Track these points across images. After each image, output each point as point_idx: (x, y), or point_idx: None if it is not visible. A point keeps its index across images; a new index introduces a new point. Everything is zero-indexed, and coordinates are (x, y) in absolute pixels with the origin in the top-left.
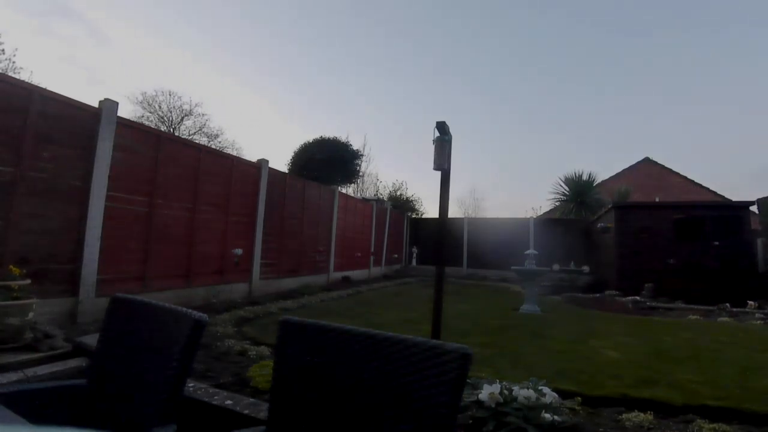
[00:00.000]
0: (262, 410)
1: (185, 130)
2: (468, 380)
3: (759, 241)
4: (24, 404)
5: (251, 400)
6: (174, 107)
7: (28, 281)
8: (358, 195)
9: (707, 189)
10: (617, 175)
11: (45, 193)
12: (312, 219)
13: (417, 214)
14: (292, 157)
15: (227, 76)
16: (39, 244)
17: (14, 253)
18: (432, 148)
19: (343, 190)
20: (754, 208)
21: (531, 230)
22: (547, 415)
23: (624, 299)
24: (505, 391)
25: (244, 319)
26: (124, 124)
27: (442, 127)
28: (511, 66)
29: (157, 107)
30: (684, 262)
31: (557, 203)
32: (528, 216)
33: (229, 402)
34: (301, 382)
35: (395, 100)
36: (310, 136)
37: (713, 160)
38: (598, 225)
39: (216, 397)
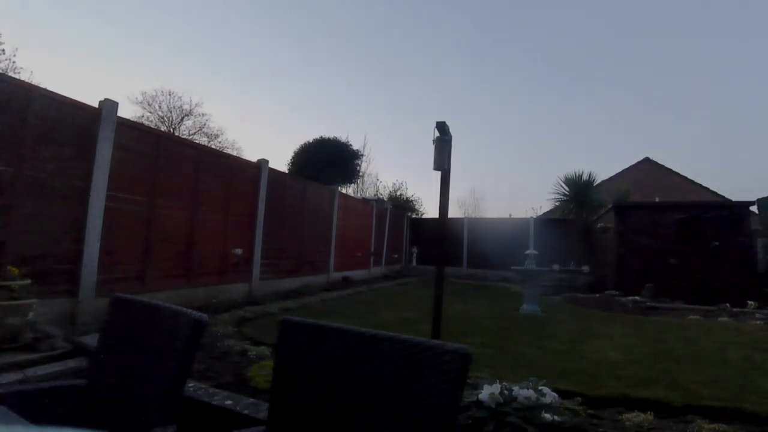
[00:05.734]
0: (262, 410)
1: (185, 130)
2: (468, 380)
3: (759, 241)
4: (24, 404)
5: (251, 400)
6: (174, 107)
7: (28, 281)
8: (358, 195)
9: (707, 189)
10: (617, 175)
11: (45, 193)
12: (312, 219)
13: (417, 214)
14: (292, 157)
15: (227, 76)
16: (39, 244)
17: (14, 253)
18: (432, 148)
19: (343, 190)
20: (754, 208)
21: (531, 230)
22: (548, 415)
23: (624, 299)
24: (505, 391)
25: (244, 319)
26: (124, 124)
27: (442, 127)
28: (511, 66)
29: (157, 107)
30: (684, 262)
31: (557, 203)
32: (528, 216)
33: (229, 402)
34: (300, 382)
35: (396, 100)
36: (310, 136)
37: (713, 160)
38: (598, 225)
39: (216, 397)
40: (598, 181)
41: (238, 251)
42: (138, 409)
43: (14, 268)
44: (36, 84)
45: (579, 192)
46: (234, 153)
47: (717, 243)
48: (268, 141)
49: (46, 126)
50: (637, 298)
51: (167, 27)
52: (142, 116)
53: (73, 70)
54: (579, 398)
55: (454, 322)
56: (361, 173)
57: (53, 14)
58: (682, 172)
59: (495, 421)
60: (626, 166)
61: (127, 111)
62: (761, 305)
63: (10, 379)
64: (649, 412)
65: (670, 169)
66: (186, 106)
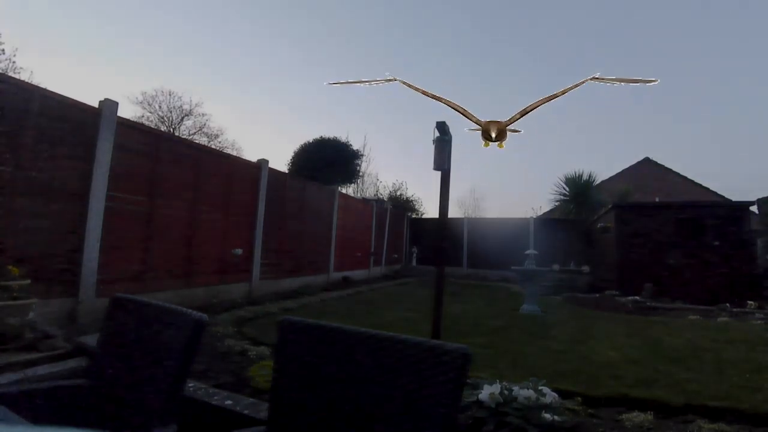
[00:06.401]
0: (262, 410)
1: (185, 130)
2: (468, 380)
3: (759, 241)
4: (24, 404)
5: (251, 400)
6: (174, 107)
7: (28, 281)
8: (358, 195)
9: (707, 189)
10: (617, 175)
11: (45, 193)
12: (312, 219)
13: (417, 214)
14: (292, 157)
15: (227, 76)
16: (39, 244)
17: (14, 253)
18: (432, 148)
19: (343, 190)
20: (754, 208)
21: (531, 230)
22: (547, 415)
23: (624, 299)
24: (505, 391)
25: (244, 319)
26: (124, 124)
27: (442, 127)
28: (511, 66)
29: (157, 107)
30: (684, 262)
31: (557, 203)
32: (528, 216)
33: (229, 402)
34: (301, 382)
35: (396, 100)
36: (310, 136)
37: (713, 160)
38: (598, 225)
39: (216, 397)
40: (598, 181)
41: (238, 251)
42: (138, 409)
43: (14, 268)
44: (36, 84)
45: (579, 192)
46: (234, 153)
47: (717, 243)
48: (268, 141)
49: (46, 126)
50: (637, 298)
51: (167, 27)
52: (142, 116)
53: (73, 70)
54: (579, 398)
55: (454, 322)
56: (361, 173)
57: (53, 14)
58: (682, 172)
59: (495, 421)
60: (626, 166)
61: (127, 111)
62: (761, 305)
63: (10, 379)
64: (649, 412)
65: (670, 169)
66: (186, 106)
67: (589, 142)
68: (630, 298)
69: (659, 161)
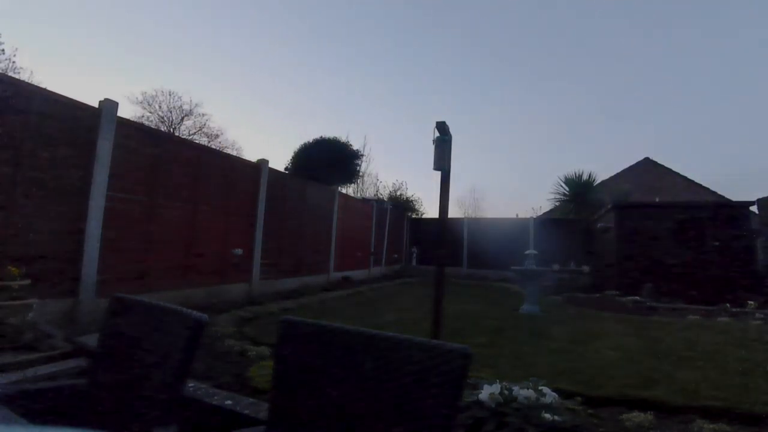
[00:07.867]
0: (262, 410)
1: (185, 130)
2: (468, 380)
3: (759, 241)
4: (24, 404)
5: (251, 400)
6: (174, 107)
7: (28, 281)
8: (358, 195)
9: (707, 189)
10: (617, 175)
11: (45, 193)
12: (312, 219)
13: (417, 214)
14: (292, 157)
15: (227, 76)
16: (39, 244)
17: (14, 253)
18: (432, 148)
19: (343, 190)
20: (754, 208)
21: (531, 230)
22: (548, 415)
23: (624, 299)
24: (505, 391)
25: (244, 319)
26: (125, 124)
27: (442, 127)
28: (511, 65)
29: (157, 107)
30: (684, 262)
31: (557, 203)
32: (528, 216)
33: (229, 402)
34: (301, 382)
35: (396, 100)
36: (310, 136)
37: (713, 160)
38: (598, 225)
39: (216, 397)
40: (598, 181)
41: (238, 251)
42: (138, 409)
43: (14, 268)
44: (36, 84)
45: (579, 192)
46: (234, 153)
47: (717, 243)
48: (268, 141)
49: (46, 126)
50: (637, 298)
51: (167, 27)
52: (142, 116)
53: (73, 70)
54: (579, 398)
55: (454, 322)
56: (361, 173)
57: (53, 14)
58: (682, 172)
59: (495, 421)
60: (626, 166)
61: (127, 111)
62: (761, 305)
63: (11, 379)
64: (649, 412)
65: (670, 169)
66: (186, 106)
67: (590, 142)
68: (630, 298)
69: (659, 161)
